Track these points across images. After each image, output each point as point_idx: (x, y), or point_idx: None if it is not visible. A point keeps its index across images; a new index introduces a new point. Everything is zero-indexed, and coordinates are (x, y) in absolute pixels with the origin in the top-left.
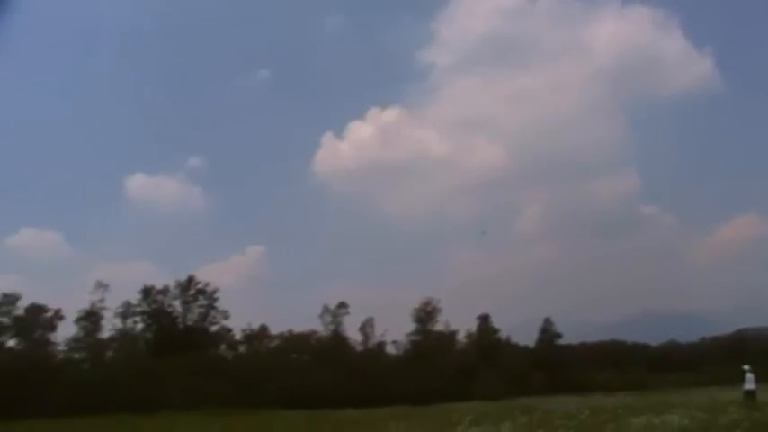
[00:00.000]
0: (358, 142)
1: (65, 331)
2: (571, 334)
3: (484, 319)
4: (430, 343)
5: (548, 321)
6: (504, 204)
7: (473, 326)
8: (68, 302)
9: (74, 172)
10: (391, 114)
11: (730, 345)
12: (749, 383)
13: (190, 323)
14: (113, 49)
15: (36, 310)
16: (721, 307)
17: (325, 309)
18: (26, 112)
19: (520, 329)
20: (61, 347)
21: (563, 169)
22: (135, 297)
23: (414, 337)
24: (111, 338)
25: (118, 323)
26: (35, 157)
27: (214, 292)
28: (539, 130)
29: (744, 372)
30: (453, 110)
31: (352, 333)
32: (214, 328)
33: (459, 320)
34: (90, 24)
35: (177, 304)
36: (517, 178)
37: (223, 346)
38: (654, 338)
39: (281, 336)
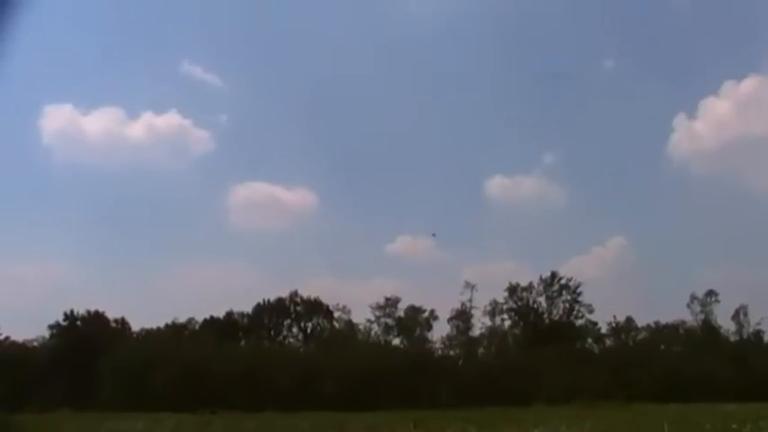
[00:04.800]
0: (714, 120)
1: (440, 330)
2: None
3: None
4: None
5: None
6: None
7: None
8: (442, 303)
9: (438, 178)
10: (749, 85)
11: None
12: None
13: (555, 318)
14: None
15: (414, 311)
16: None
17: (694, 298)
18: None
19: None
20: (437, 345)
21: None
22: (501, 295)
23: None
24: (482, 335)
25: (487, 321)
26: (404, 167)
27: (577, 286)
28: None
29: None
30: None
31: (725, 322)
32: (579, 321)
33: None
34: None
35: (542, 300)
36: None
37: (589, 340)
38: None
39: (647, 327)
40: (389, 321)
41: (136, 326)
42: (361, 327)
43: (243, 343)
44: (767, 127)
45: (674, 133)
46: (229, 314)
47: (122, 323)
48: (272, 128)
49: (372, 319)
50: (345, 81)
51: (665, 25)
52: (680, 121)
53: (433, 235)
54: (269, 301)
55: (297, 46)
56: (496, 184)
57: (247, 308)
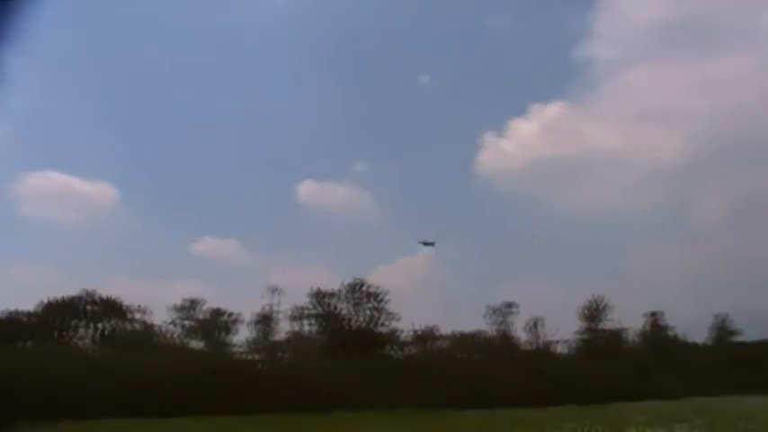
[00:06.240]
0: (520, 140)
1: (244, 334)
2: (755, 331)
3: (655, 316)
4: (600, 341)
5: (722, 318)
6: (679, 197)
7: (644, 323)
8: (247, 307)
9: (249, 179)
10: (554, 110)
11: None
12: None
13: (360, 325)
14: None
15: (217, 313)
16: None
17: (491, 309)
18: (207, 125)
19: (695, 326)
20: (240, 349)
21: (741, 159)
22: (306, 301)
23: (582, 336)
24: (286, 341)
25: (291, 326)
26: (214, 167)
27: (382, 294)
28: (715, 119)
29: None
30: (620, 103)
31: (520, 332)
32: (383, 329)
33: (631, 318)
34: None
35: (348, 307)
36: (692, 170)
37: (393, 347)
38: None
39: (450, 336)
40: (191, 324)
41: None
42: (160, 329)
43: (28, 344)
44: (568, 150)
45: (483, 150)
46: (13, 313)
47: None
48: (75, 118)
49: (172, 321)
50: (158, 76)
51: (480, 45)
52: (489, 138)
53: (430, 244)
54: (60, 299)
55: (107, 37)
56: (307, 190)
57: (35, 306)
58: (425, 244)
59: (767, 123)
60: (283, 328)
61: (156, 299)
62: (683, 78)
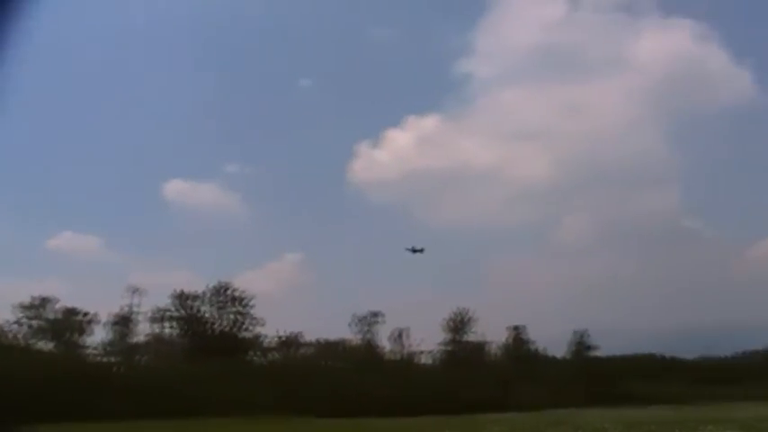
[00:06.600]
0: (395, 150)
1: (100, 335)
2: (610, 346)
3: (517, 330)
4: (464, 353)
5: (582, 333)
6: (546, 215)
7: (507, 337)
8: (106, 307)
9: (113, 175)
10: (430, 122)
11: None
12: None
13: (224, 329)
14: (148, 53)
15: (70, 313)
16: (761, 320)
17: (357, 317)
18: (68, 116)
19: (557, 341)
20: (91, 350)
21: (607, 181)
22: (168, 302)
23: (446, 348)
24: (146, 343)
25: (151, 328)
26: (75, 161)
27: (248, 298)
28: (582, 142)
29: None
30: (494, 120)
31: (385, 342)
32: (247, 334)
33: (496, 331)
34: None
35: (212, 310)
36: (559, 190)
37: (256, 353)
38: (693, 351)
39: (313, 343)
40: (40, 323)
41: None
42: (2, 329)
43: None
44: (442, 163)
45: (358, 159)
46: None
47: None
48: None
49: (17, 320)
50: (22, 65)
51: (363, 54)
52: (364, 148)
53: (419, 251)
54: None
55: None
56: (176, 189)
57: None
58: (414, 251)
59: (633, 149)
60: (143, 330)
61: (3, 296)
62: (556, 101)
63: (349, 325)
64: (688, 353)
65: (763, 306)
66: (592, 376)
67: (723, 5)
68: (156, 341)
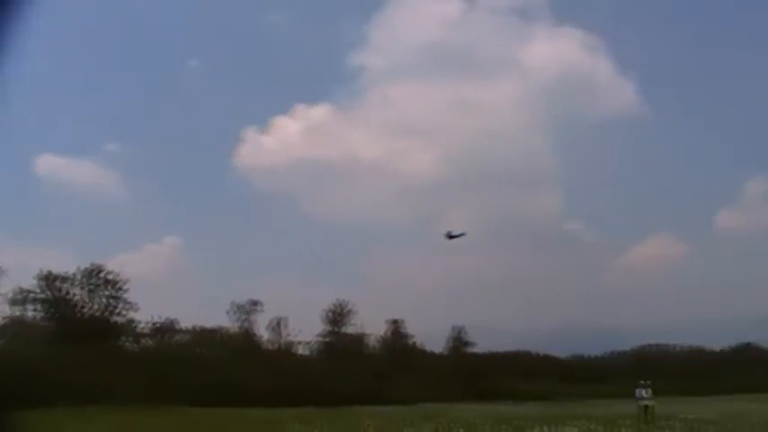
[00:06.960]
0: (283, 138)
1: None
2: (488, 343)
3: (396, 323)
4: (342, 345)
5: (458, 329)
6: (431, 211)
7: (386, 330)
8: None
9: None
10: (320, 112)
11: (634, 360)
12: (645, 398)
13: (94, 313)
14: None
15: None
16: (630, 323)
17: (235, 305)
18: None
19: (435, 337)
20: None
21: (493, 181)
22: (33, 283)
23: (325, 339)
24: (3, 326)
25: (12, 310)
26: None
27: (122, 282)
28: (470, 141)
29: (641, 387)
30: (384, 114)
31: (263, 331)
32: (120, 319)
33: (376, 325)
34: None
35: (82, 293)
36: (445, 186)
37: (128, 339)
38: (567, 350)
39: (189, 330)
40: None
41: None
42: None
43: None
44: (329, 154)
45: (244, 144)
46: None
47: None
48: None
49: None
50: None
51: (255, 39)
52: (251, 133)
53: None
54: None
55: None
56: (48, 163)
57: None
58: (452, 237)
59: (520, 150)
60: (1, 313)
61: None
62: (446, 99)
63: (227, 313)
64: (562, 352)
65: (632, 310)
66: (468, 372)
67: (612, 20)
68: (15, 323)
